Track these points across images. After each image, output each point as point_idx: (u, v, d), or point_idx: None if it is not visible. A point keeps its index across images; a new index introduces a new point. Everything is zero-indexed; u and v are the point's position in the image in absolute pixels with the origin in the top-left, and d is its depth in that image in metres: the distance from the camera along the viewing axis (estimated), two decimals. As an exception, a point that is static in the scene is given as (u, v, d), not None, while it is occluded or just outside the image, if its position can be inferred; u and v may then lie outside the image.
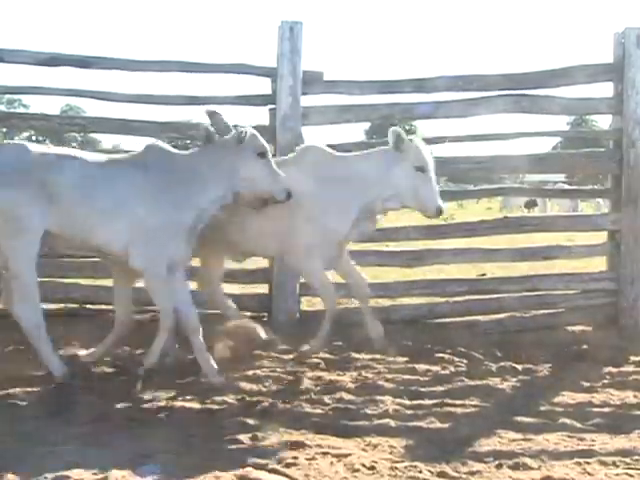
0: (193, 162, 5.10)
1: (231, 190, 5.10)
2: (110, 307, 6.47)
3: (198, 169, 5.06)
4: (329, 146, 5.78)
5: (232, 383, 5.01)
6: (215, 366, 5.03)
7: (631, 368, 5.64)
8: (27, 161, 4.89)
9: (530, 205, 29.69)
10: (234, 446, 3.83)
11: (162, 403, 4.59)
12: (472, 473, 3.59)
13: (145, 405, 4.55)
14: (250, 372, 5.31)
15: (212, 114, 5.22)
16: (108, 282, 6.50)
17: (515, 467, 3.67)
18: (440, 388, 5.07)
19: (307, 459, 3.67)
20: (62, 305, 6.50)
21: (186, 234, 5.01)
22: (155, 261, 4.96)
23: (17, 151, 4.99)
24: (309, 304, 6.86)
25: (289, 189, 5.08)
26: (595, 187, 10.03)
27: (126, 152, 5.53)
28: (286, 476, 3.47)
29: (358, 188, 5.44)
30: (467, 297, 6.71)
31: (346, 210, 5.44)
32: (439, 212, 5.40)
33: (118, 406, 4.52)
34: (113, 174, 5.00)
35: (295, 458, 3.67)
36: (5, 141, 5.14)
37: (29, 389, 4.79)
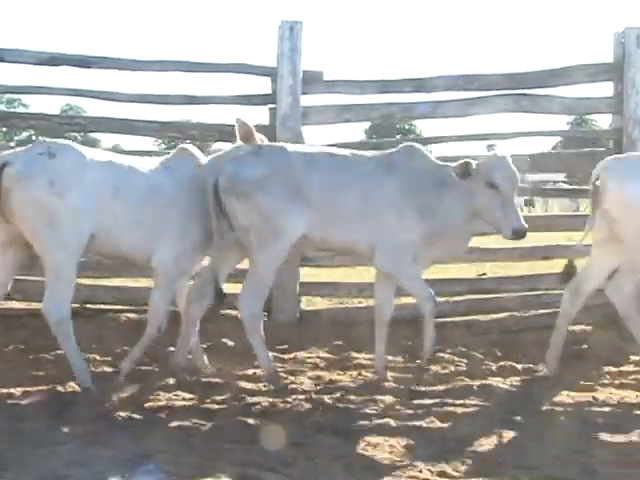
0: (442, 176, 4.99)
1: (464, 216, 5.02)
2: (110, 307, 6.49)
3: (444, 185, 4.98)
4: (330, 145, 5.76)
5: (232, 383, 5.03)
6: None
7: (631, 368, 5.65)
8: (286, 163, 4.90)
9: (526, 204, 29.64)
10: (234, 446, 3.82)
11: (162, 403, 4.59)
12: (472, 473, 3.59)
13: (145, 405, 4.55)
14: (250, 372, 5.32)
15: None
16: (108, 282, 6.51)
17: (515, 467, 3.67)
18: (440, 388, 5.08)
19: (307, 459, 3.67)
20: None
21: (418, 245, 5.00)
22: (402, 262, 4.98)
23: (277, 153, 4.98)
24: (309, 304, 6.86)
25: (520, 227, 4.80)
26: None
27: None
28: (286, 476, 3.47)
29: None
30: (467, 297, 6.71)
31: None
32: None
33: (118, 406, 4.52)
34: (364, 173, 4.98)
35: (295, 458, 3.68)
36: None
37: (29, 389, 4.80)
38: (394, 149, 5.21)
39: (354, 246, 5.04)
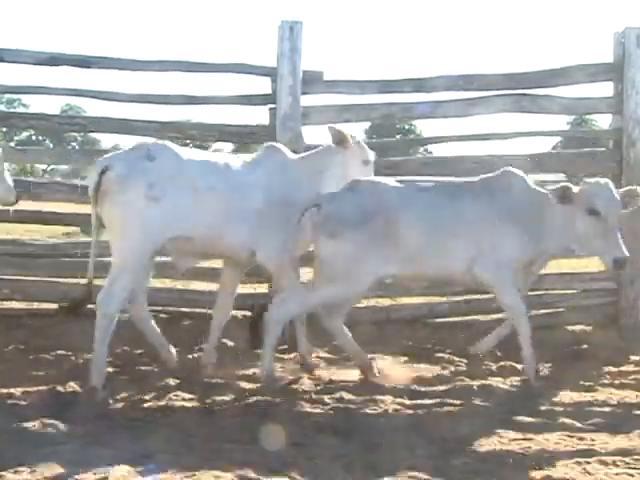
0: (540, 200, 5.00)
1: (563, 243, 5.02)
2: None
3: (541, 209, 4.99)
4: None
5: (232, 383, 5.03)
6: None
7: (631, 368, 5.65)
8: (381, 201, 4.91)
9: None
10: (234, 446, 3.82)
11: (162, 403, 4.59)
12: (472, 473, 3.58)
13: (145, 405, 4.55)
14: (250, 372, 5.32)
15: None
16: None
17: (515, 467, 3.66)
18: (440, 388, 5.08)
19: (307, 459, 3.67)
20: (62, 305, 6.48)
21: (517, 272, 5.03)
22: (504, 285, 5.01)
23: (371, 191, 4.97)
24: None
25: (622, 257, 4.76)
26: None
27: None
28: (286, 476, 3.46)
29: None
30: (467, 297, 6.71)
31: None
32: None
33: (118, 406, 4.52)
34: (465, 204, 4.99)
35: (295, 458, 3.67)
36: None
37: (29, 389, 4.79)
38: (492, 174, 5.21)
39: (453, 276, 5.07)
